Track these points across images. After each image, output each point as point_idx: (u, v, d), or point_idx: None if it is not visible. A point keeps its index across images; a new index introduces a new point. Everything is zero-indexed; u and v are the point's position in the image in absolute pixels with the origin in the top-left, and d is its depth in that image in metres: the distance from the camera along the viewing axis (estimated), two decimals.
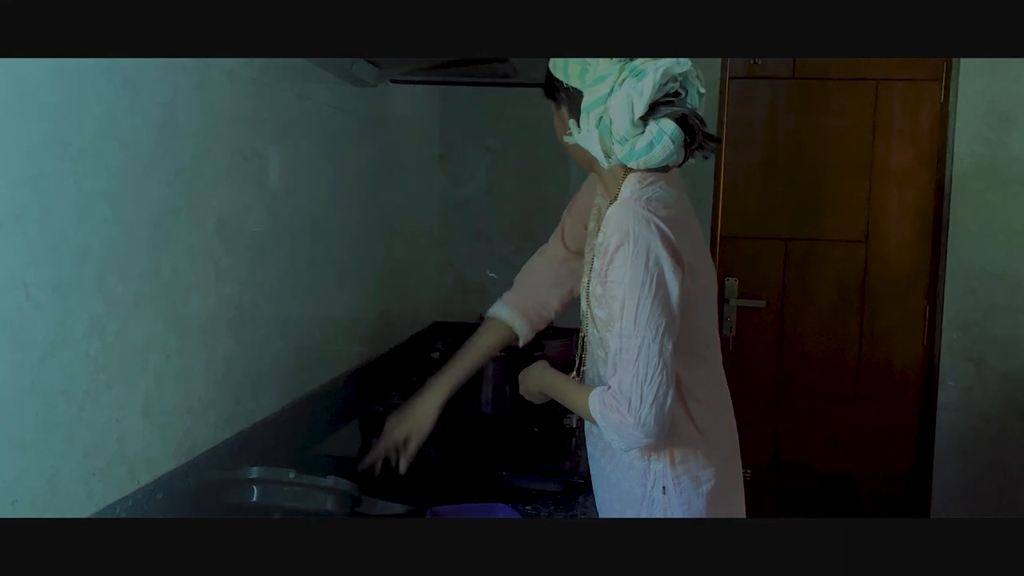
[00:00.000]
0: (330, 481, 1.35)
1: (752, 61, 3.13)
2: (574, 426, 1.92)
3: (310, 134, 1.87)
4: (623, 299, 1.32)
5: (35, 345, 1.03)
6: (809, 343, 3.19)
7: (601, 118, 1.34)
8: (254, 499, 1.33)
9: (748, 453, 1.71)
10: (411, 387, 2.19)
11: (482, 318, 3.10)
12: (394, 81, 2.38)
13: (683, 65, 1.33)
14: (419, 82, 2.40)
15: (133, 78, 1.20)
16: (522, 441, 1.85)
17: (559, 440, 1.89)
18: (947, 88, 3.02)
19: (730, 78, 3.12)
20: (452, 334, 2.79)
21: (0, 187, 0.96)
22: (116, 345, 1.18)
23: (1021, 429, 3.01)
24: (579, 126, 1.39)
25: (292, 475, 1.31)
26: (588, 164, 1.50)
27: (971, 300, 3.01)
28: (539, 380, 1.58)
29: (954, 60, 2.98)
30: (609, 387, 1.34)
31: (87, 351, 1.12)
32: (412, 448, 1.64)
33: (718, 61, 3.08)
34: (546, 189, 3.19)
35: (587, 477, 1.67)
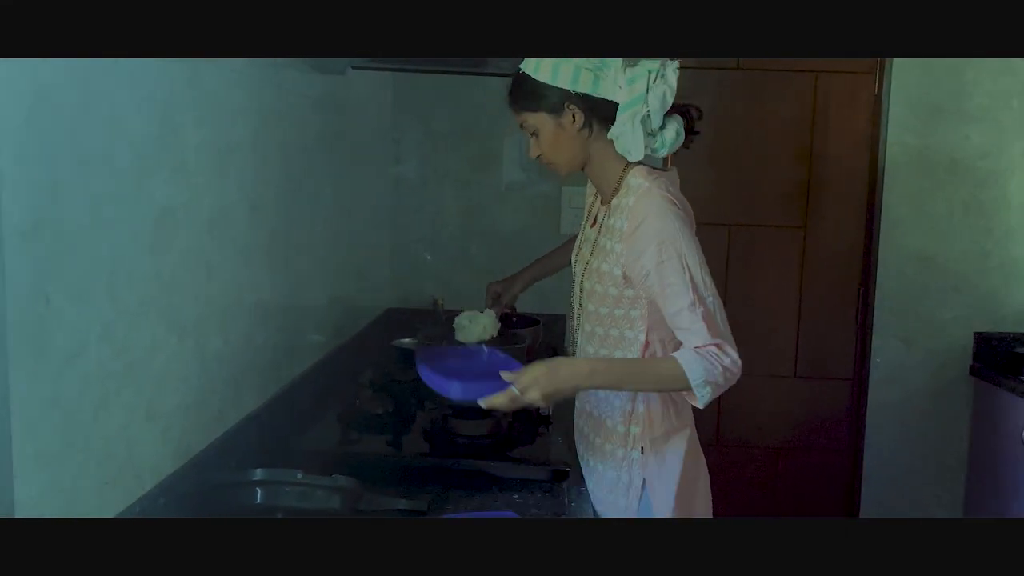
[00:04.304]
0: (334, 480, 1.36)
1: None
2: (550, 413, 1.96)
3: (284, 124, 1.84)
4: (689, 271, 1.46)
5: (55, 355, 1.00)
6: (750, 325, 3.31)
7: (641, 116, 1.49)
8: (258, 501, 1.33)
9: None
10: (381, 376, 2.21)
11: (436, 301, 3.12)
12: (356, 68, 2.35)
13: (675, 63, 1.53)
14: (384, 69, 2.37)
15: (136, 74, 1.16)
16: (501, 432, 1.87)
17: (536, 428, 1.92)
18: (881, 80, 3.16)
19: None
20: (407, 321, 2.81)
21: (22, 195, 0.93)
22: (124, 351, 1.16)
23: (946, 403, 3.21)
24: (588, 125, 1.55)
25: (300, 475, 1.32)
26: (579, 163, 1.62)
27: (901, 282, 3.18)
28: (583, 376, 1.49)
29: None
30: (698, 348, 1.44)
31: (99, 359, 1.10)
32: (504, 300, 2.11)
33: None
34: (498, 174, 3.21)
35: (571, 464, 1.72)
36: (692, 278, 1.46)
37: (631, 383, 1.53)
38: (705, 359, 1.43)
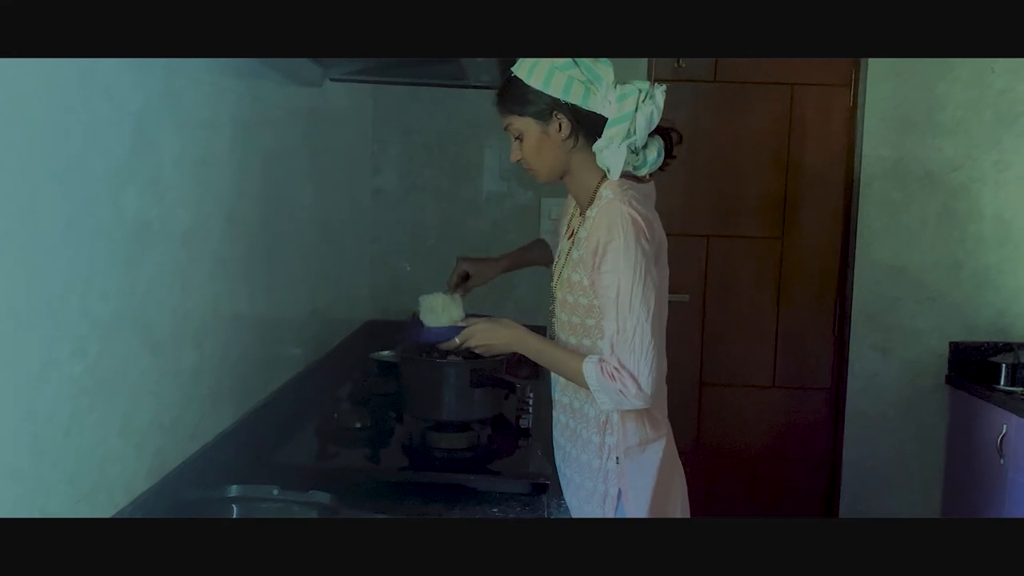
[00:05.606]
0: (311, 495, 1.34)
1: (676, 63, 3.23)
2: (530, 426, 1.96)
3: (262, 136, 1.83)
4: (618, 286, 1.48)
5: (27, 371, 0.98)
6: (729, 335, 3.33)
7: (628, 132, 1.51)
8: (234, 517, 1.31)
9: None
10: (359, 390, 2.19)
11: (415, 313, 3.09)
12: (334, 79, 2.34)
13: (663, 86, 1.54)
14: (363, 80, 2.37)
15: (111, 85, 1.15)
16: (481, 445, 1.87)
17: (516, 441, 1.92)
18: (856, 93, 3.20)
19: (655, 80, 3.20)
20: (386, 333, 2.79)
21: None
22: (97, 366, 1.14)
23: (922, 412, 3.24)
24: (573, 135, 1.57)
25: (276, 492, 1.30)
26: (559, 172, 1.63)
27: (877, 293, 3.22)
28: (516, 339, 1.62)
29: (862, 67, 3.16)
30: (603, 359, 1.50)
31: (71, 374, 1.08)
32: (471, 283, 1.95)
33: (644, 63, 3.17)
34: (478, 185, 3.21)
35: (550, 477, 1.72)
36: (618, 296, 1.48)
37: (549, 365, 1.62)
38: (603, 373, 1.49)
